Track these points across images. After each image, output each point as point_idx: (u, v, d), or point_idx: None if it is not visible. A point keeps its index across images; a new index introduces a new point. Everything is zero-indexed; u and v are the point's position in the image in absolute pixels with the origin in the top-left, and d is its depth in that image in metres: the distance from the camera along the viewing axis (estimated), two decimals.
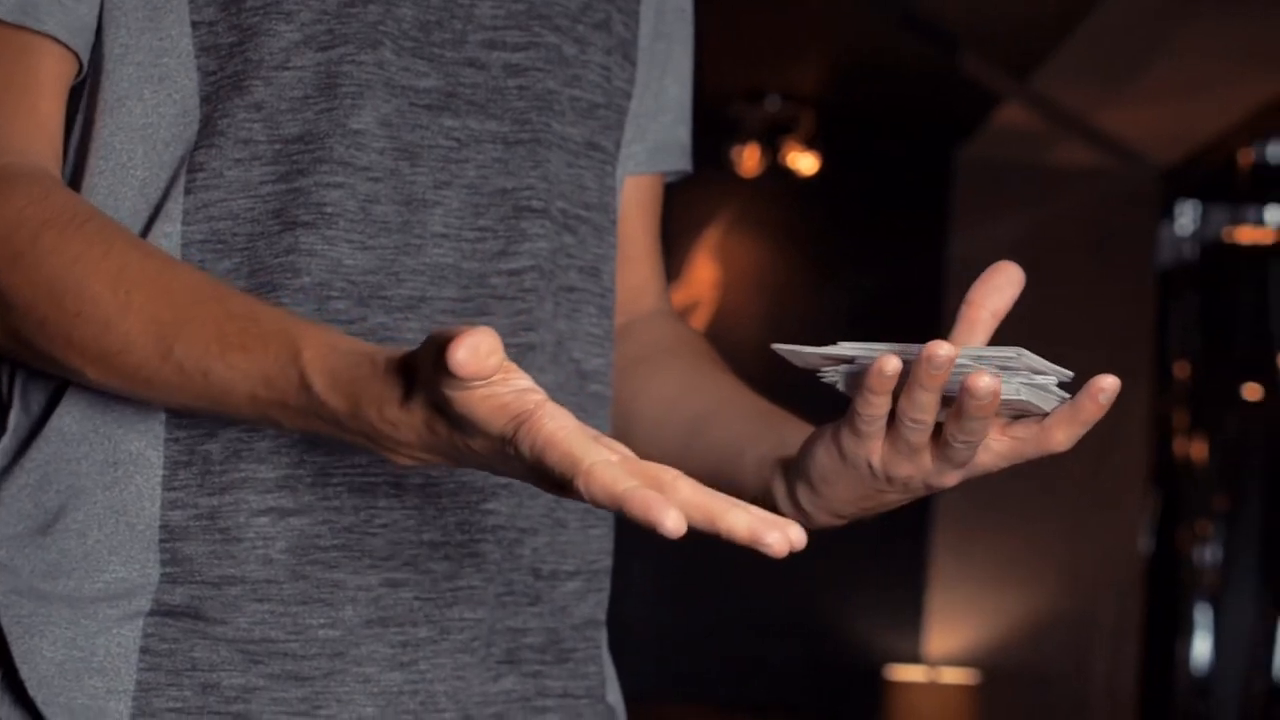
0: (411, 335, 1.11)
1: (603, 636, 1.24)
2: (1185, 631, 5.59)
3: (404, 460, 0.93)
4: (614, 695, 1.26)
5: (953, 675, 5.37)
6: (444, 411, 0.86)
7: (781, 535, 0.81)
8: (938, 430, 0.98)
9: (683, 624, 5.42)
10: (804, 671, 5.57)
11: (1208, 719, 5.53)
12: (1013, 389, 0.95)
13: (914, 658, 5.58)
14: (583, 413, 1.18)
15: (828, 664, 5.58)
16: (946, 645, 5.60)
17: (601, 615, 1.23)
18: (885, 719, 5.32)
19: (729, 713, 5.44)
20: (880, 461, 1.00)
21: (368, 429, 0.92)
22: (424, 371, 0.86)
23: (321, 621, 1.08)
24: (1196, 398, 5.69)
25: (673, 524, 0.78)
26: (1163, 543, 5.76)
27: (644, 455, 1.24)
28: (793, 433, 1.13)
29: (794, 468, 1.08)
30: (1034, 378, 0.95)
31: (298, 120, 1.09)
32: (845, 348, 0.98)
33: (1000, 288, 0.97)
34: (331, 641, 1.08)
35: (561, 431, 0.82)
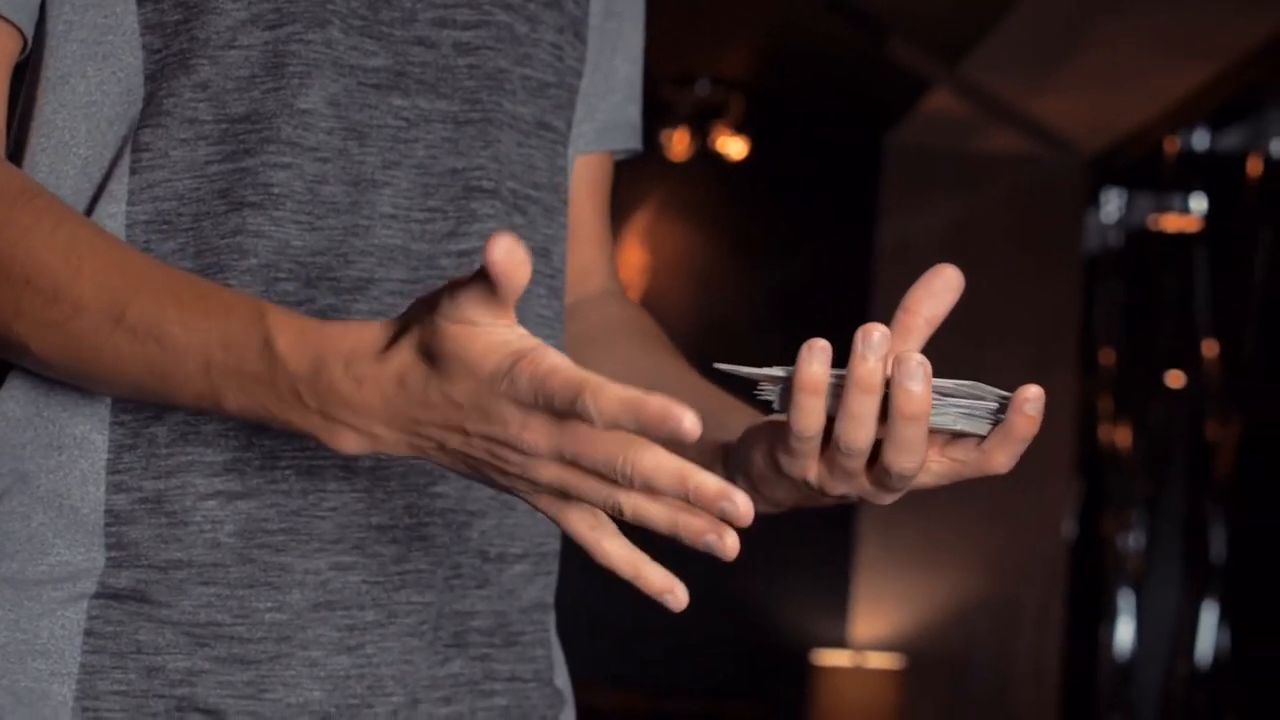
0: (359, 317, 1.09)
1: (551, 620, 1.23)
2: (1109, 617, 5.64)
3: (350, 441, 0.91)
4: (562, 679, 1.26)
5: (879, 660, 5.39)
6: (429, 355, 0.85)
7: (746, 500, 0.81)
8: (876, 451, 0.95)
9: (611, 609, 5.41)
10: (731, 656, 5.59)
11: (1131, 703, 5.58)
12: (950, 419, 0.93)
13: (840, 643, 5.60)
14: None
15: (755, 649, 5.59)
16: (872, 630, 5.63)
17: (550, 598, 1.22)
18: (812, 704, 5.34)
19: (657, 697, 5.45)
20: (816, 479, 0.97)
21: (325, 392, 0.90)
22: (422, 310, 0.85)
23: (268, 605, 1.07)
24: (1121, 385, 5.74)
25: (689, 424, 0.78)
26: (1087, 529, 5.80)
27: None
28: (736, 419, 1.11)
29: (733, 460, 1.07)
30: (975, 405, 0.93)
31: (244, 100, 1.08)
32: (782, 369, 0.95)
33: (937, 293, 0.93)
34: (278, 625, 1.07)
35: (565, 362, 0.82)
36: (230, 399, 0.95)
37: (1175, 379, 5.56)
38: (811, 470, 0.97)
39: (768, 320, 5.57)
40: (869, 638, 5.61)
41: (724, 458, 1.09)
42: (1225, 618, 5.09)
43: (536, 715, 1.21)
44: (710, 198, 5.70)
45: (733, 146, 5.54)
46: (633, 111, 1.35)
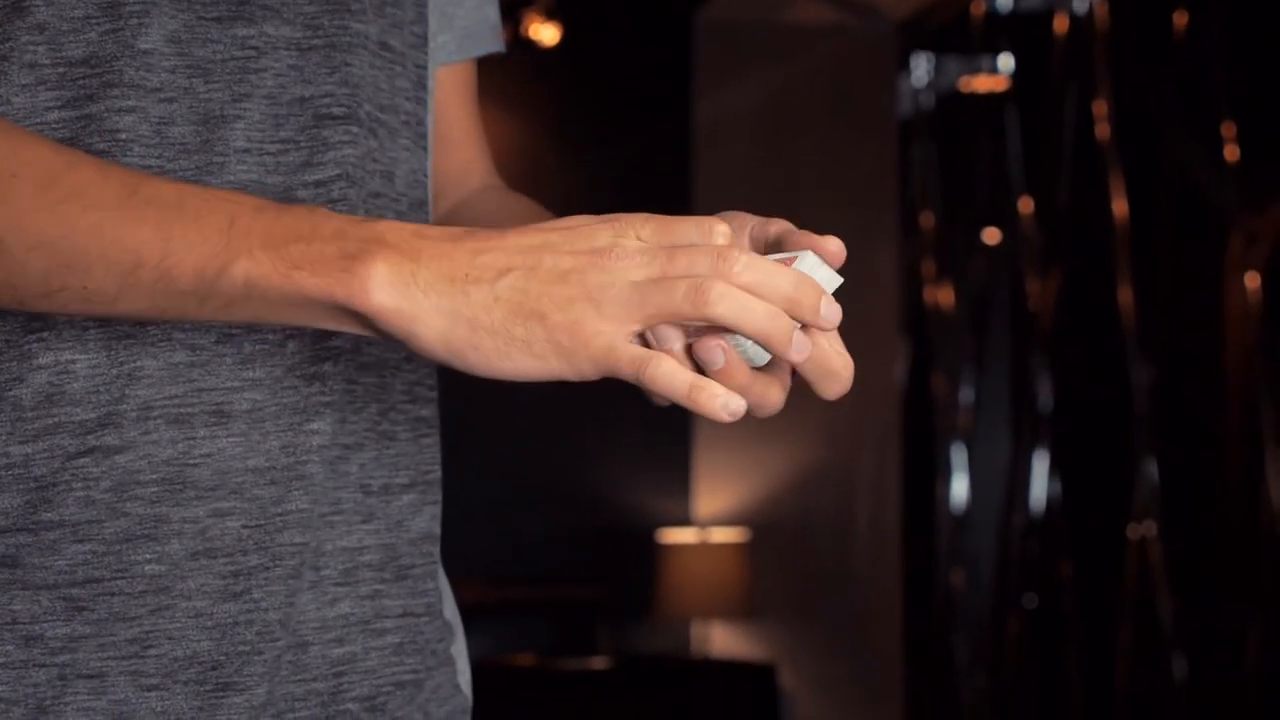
0: None
1: (438, 551, 1.22)
2: (943, 474, 5.75)
3: (380, 278, 0.91)
4: (450, 610, 1.25)
5: (723, 535, 5.44)
6: None
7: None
8: None
9: (453, 498, 5.41)
10: (576, 542, 5.60)
11: (969, 556, 5.70)
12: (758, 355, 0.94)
13: (684, 520, 5.65)
14: None
15: (600, 533, 5.62)
16: (715, 506, 5.67)
17: (437, 529, 1.20)
18: (659, 582, 5.37)
19: (504, 587, 5.46)
20: None
21: (374, 226, 0.92)
22: None
23: (147, 557, 1.04)
24: (942, 245, 5.81)
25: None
26: (917, 389, 5.90)
27: None
28: None
29: None
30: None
31: (81, 42, 1.04)
32: None
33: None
34: (158, 576, 1.04)
35: None
36: (244, 260, 0.93)
37: (992, 236, 5.64)
38: None
39: (588, 208, 5.54)
40: (712, 513, 5.66)
41: None
42: (1055, 466, 5.21)
43: (429, 650, 1.20)
44: (525, 86, 5.65)
45: (545, 33, 5.49)
46: (491, 12, 1.31)
